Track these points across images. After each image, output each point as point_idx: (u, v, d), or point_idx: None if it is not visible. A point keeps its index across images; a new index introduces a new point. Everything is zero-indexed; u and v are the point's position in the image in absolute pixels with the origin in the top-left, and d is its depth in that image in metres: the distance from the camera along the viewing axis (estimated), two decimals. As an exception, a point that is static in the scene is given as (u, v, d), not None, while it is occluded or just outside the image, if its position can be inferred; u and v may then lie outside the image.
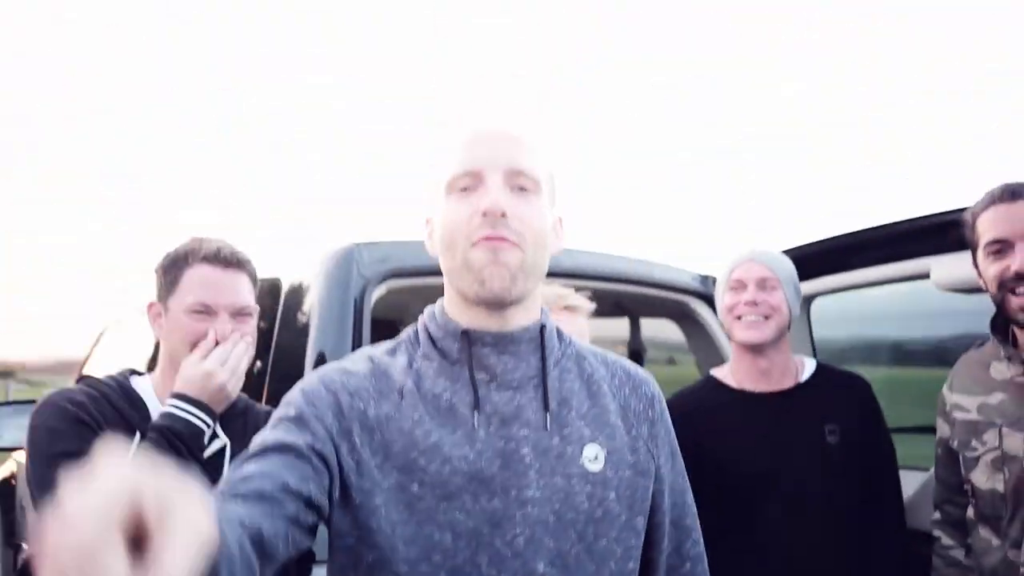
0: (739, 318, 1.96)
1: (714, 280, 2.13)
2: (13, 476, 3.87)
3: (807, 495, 1.87)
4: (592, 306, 1.92)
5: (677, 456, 1.19)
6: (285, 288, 2.05)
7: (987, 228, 1.65)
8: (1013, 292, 1.60)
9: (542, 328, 1.10)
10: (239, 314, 1.57)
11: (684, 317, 2.80)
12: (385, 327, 2.14)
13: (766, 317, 1.94)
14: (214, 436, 1.52)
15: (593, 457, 1.06)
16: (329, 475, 0.98)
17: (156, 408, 1.54)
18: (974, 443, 1.69)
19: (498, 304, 1.05)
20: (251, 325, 1.60)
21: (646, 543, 1.12)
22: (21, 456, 3.64)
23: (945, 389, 1.82)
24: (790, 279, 2.00)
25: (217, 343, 1.54)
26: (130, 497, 0.56)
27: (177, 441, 1.43)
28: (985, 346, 1.77)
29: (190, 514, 0.57)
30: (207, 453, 1.51)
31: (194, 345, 1.54)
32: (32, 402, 3.67)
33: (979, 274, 1.70)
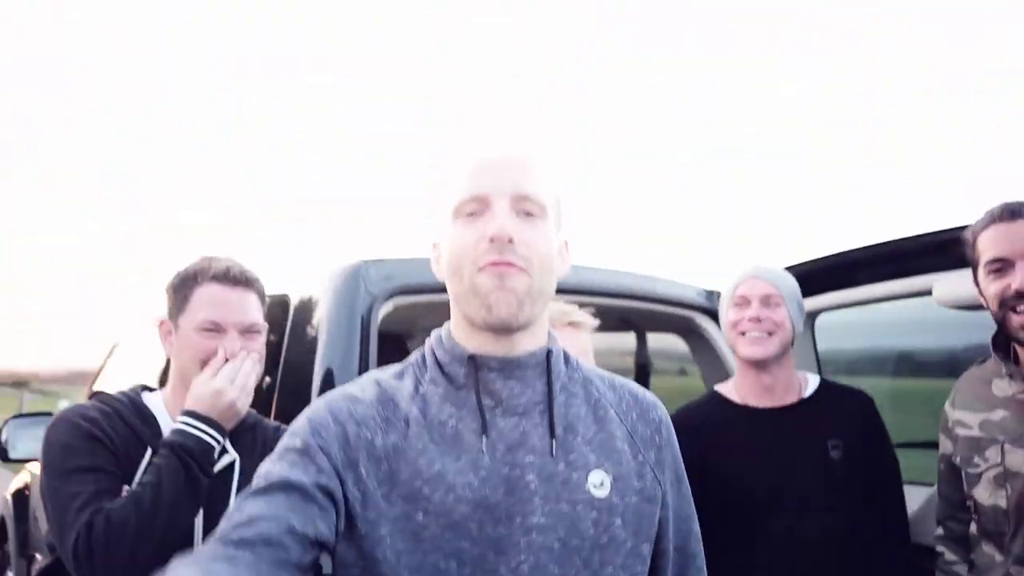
0: (743, 334, 1.98)
1: (719, 295, 2.15)
2: (27, 487, 3.92)
3: (810, 510, 1.88)
4: (595, 322, 1.94)
5: (683, 482, 1.19)
6: (294, 304, 2.08)
7: (987, 247, 1.67)
8: (1014, 310, 1.62)
9: (549, 353, 1.10)
10: (248, 331, 1.61)
11: (690, 332, 2.82)
12: (392, 343, 2.17)
13: (770, 333, 1.96)
14: (223, 451, 1.55)
15: (599, 483, 1.06)
16: (335, 510, 0.98)
17: (167, 424, 1.58)
18: (976, 459, 1.71)
19: (505, 329, 1.05)
20: (259, 342, 1.64)
21: (650, 569, 1.11)
22: (35, 467, 3.68)
23: (947, 405, 1.83)
24: (793, 296, 2.02)
25: (227, 360, 1.57)
26: None
27: (188, 458, 1.46)
28: (987, 363, 1.79)
29: None
30: (217, 468, 1.54)
31: (204, 362, 1.57)
32: (44, 414, 3.73)
33: (980, 292, 1.72)
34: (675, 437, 1.19)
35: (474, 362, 1.07)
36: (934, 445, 1.89)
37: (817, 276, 2.37)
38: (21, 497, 3.98)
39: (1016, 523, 1.63)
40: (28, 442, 3.46)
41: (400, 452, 1.02)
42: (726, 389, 2.09)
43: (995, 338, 1.73)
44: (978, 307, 1.78)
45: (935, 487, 1.99)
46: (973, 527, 1.75)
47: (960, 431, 1.76)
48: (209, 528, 1.51)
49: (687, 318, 2.70)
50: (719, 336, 2.64)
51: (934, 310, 2.15)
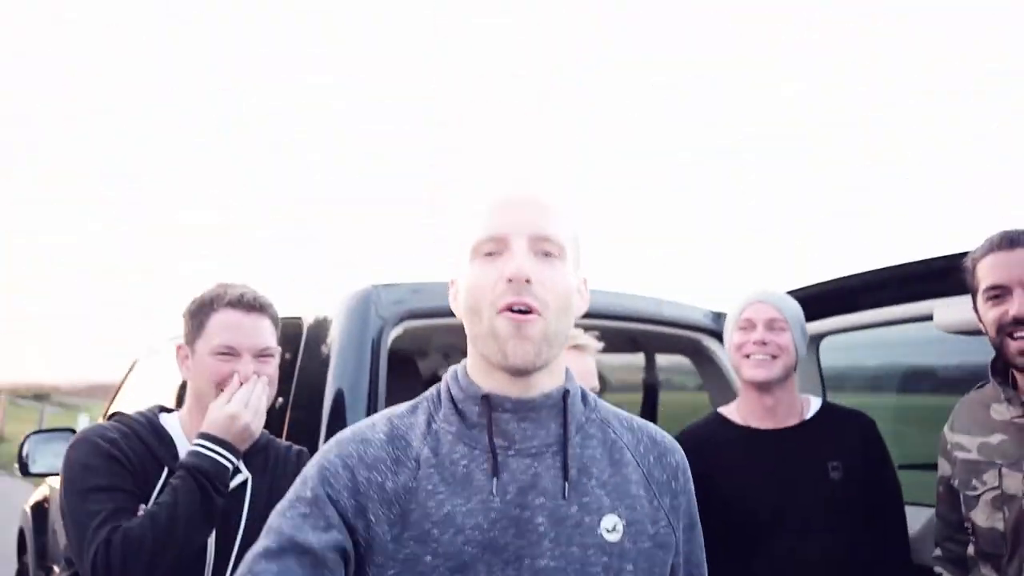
0: (747, 356, 2.01)
1: (726, 317, 2.19)
2: (46, 500, 3.98)
3: (811, 532, 1.91)
4: (600, 345, 1.98)
5: (696, 527, 1.18)
6: (307, 326, 2.14)
7: (986, 274, 1.70)
8: (1011, 336, 1.64)
9: (566, 394, 1.09)
10: (262, 355, 1.67)
11: (697, 354, 2.85)
12: (401, 365, 2.22)
13: (774, 357, 1.99)
14: (236, 471, 1.60)
15: (611, 527, 1.04)
16: (344, 564, 0.99)
17: (183, 444, 1.63)
18: (974, 482, 1.73)
19: (522, 373, 1.05)
20: (273, 365, 1.70)
21: None
22: (54, 482, 3.75)
23: (946, 429, 1.85)
24: (798, 321, 2.06)
25: (241, 384, 1.63)
26: None
27: (203, 479, 1.51)
28: (985, 388, 1.81)
29: None
30: (230, 487, 1.59)
31: (219, 385, 1.63)
32: (64, 430, 3.79)
33: (979, 318, 1.74)
34: (692, 483, 1.18)
35: (488, 402, 1.06)
36: (935, 467, 1.91)
37: (820, 300, 2.40)
38: (40, 510, 4.05)
39: (1013, 545, 1.65)
40: (48, 457, 3.52)
41: (411, 493, 1.02)
42: (728, 411, 2.12)
43: (994, 363, 1.76)
44: (977, 332, 1.81)
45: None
46: (971, 549, 1.77)
47: (959, 454, 1.79)
48: (222, 545, 1.56)
49: (694, 340, 2.74)
50: (726, 357, 2.67)
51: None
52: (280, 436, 1.90)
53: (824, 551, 1.90)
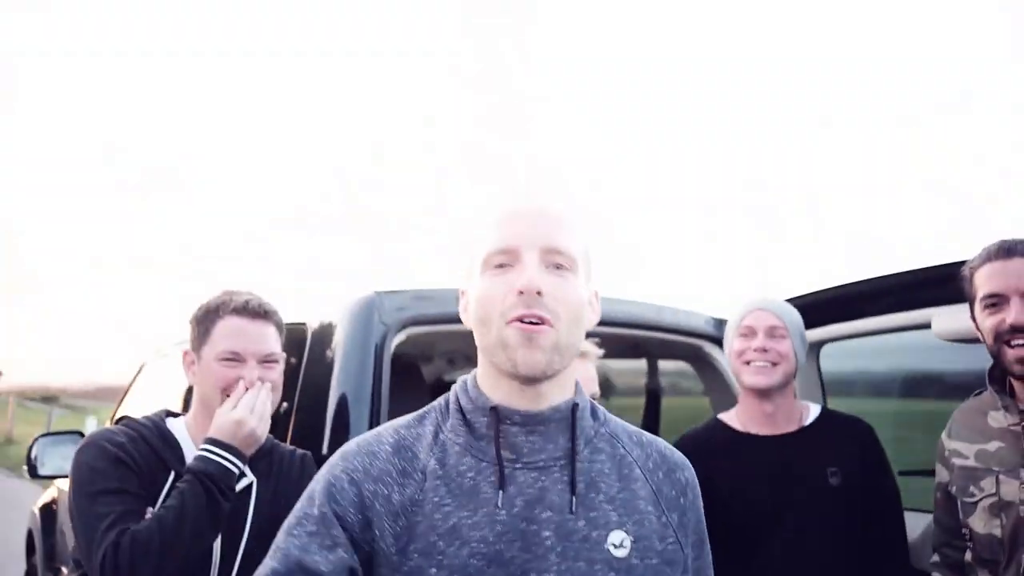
0: (748, 363, 2.04)
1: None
2: (55, 502, 4.02)
3: (808, 535, 1.93)
4: (600, 352, 2.01)
5: (705, 544, 1.18)
6: (311, 333, 2.17)
7: (984, 283, 1.72)
8: (1008, 344, 1.66)
9: (575, 407, 1.09)
10: (266, 361, 1.70)
11: (698, 360, 2.87)
12: (404, 371, 2.25)
13: (774, 364, 2.01)
14: (242, 475, 1.63)
15: (619, 543, 1.04)
16: None
17: (189, 448, 1.66)
18: (972, 489, 1.75)
19: (532, 381, 1.05)
20: (277, 371, 1.73)
21: None
22: (62, 484, 3.79)
23: (944, 436, 1.87)
24: (797, 329, 2.08)
25: (246, 389, 1.66)
26: None
27: (210, 483, 1.54)
28: (983, 395, 1.83)
29: None
30: (236, 490, 1.62)
31: (225, 390, 1.66)
32: (72, 432, 3.83)
33: (976, 326, 1.76)
34: (700, 500, 1.17)
35: (496, 414, 1.06)
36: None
37: (821, 308, 2.42)
38: (49, 512, 4.09)
39: (1010, 552, 1.67)
40: (56, 459, 3.55)
41: (417, 505, 1.02)
42: (728, 417, 2.15)
43: (991, 371, 1.77)
44: (974, 340, 1.83)
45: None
46: (968, 555, 1.78)
47: (956, 461, 1.80)
48: (227, 547, 1.59)
49: (696, 346, 2.76)
50: (727, 364, 2.69)
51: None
52: (285, 440, 1.92)
53: (823, 556, 1.92)
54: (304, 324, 2.20)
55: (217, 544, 1.58)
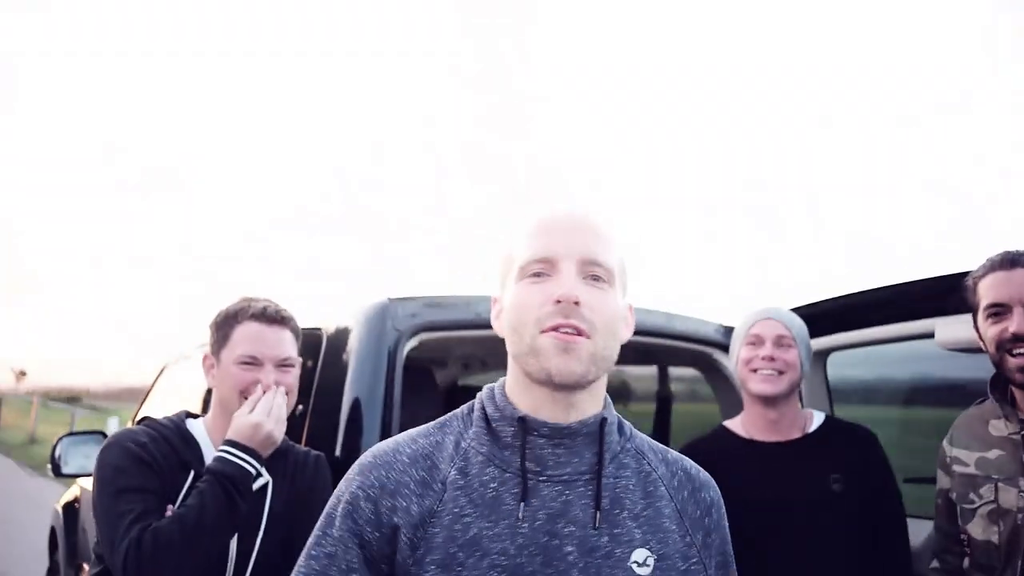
0: (755, 371, 2.07)
1: None
2: (77, 500, 4.10)
3: (810, 542, 1.95)
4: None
5: (730, 566, 1.17)
6: (326, 338, 2.23)
7: (987, 292, 1.74)
8: (1010, 353, 1.69)
9: (603, 422, 1.07)
10: (283, 365, 1.76)
11: (708, 367, 2.90)
12: (416, 376, 2.30)
13: (781, 372, 2.04)
14: (258, 475, 1.69)
15: (642, 561, 1.02)
16: None
17: (208, 449, 1.73)
18: (971, 496, 1.77)
19: (565, 388, 1.03)
20: (293, 375, 1.79)
21: None
22: (84, 482, 3.87)
23: (946, 443, 1.90)
24: (804, 339, 2.11)
25: (264, 391, 1.72)
26: None
27: (229, 484, 1.60)
28: (985, 404, 1.85)
29: None
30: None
31: (243, 392, 1.72)
32: (94, 433, 3.91)
33: (979, 335, 1.79)
34: (726, 520, 1.16)
35: (524, 424, 1.05)
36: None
37: (827, 317, 2.45)
38: (71, 510, 4.17)
39: (1007, 558, 1.69)
40: (79, 459, 3.63)
41: (436, 517, 1.01)
42: (733, 424, 2.18)
43: (993, 380, 1.80)
44: (977, 350, 1.85)
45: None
46: (966, 561, 1.81)
47: (957, 468, 1.83)
48: (242, 545, 1.65)
49: (705, 353, 2.79)
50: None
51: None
52: (300, 442, 1.98)
53: (825, 563, 1.94)
54: (320, 329, 2.26)
55: (233, 542, 1.64)
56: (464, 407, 1.14)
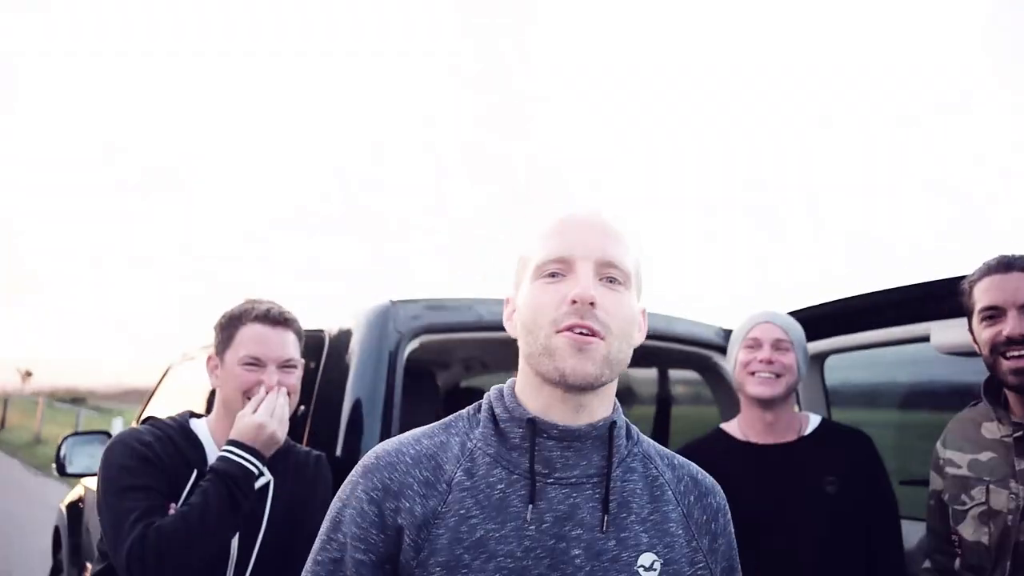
0: (753, 374, 2.09)
1: None
2: (81, 500, 4.12)
3: (804, 543, 1.98)
4: None
5: (736, 571, 1.17)
6: (328, 340, 2.25)
7: (981, 296, 1.76)
8: (1004, 356, 1.71)
9: (612, 425, 1.07)
10: (285, 366, 1.79)
11: (707, 370, 2.92)
12: (417, 377, 2.32)
13: (778, 375, 2.07)
14: (260, 474, 1.72)
15: (648, 565, 1.02)
16: None
17: (212, 448, 1.76)
18: (963, 497, 1.79)
19: (577, 389, 1.03)
20: (295, 376, 1.82)
21: None
22: (89, 482, 3.90)
23: (939, 445, 1.91)
24: (801, 343, 2.14)
25: (267, 392, 1.74)
26: None
27: (232, 483, 1.63)
28: (978, 406, 1.87)
29: None
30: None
31: (246, 393, 1.75)
32: (99, 432, 3.93)
33: (974, 338, 1.81)
34: (732, 526, 1.17)
35: (533, 425, 1.04)
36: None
37: (825, 320, 2.47)
38: (75, 509, 4.18)
39: (997, 559, 1.71)
40: (83, 458, 3.65)
41: (440, 517, 1.00)
42: (730, 427, 2.20)
43: (987, 383, 1.82)
44: (972, 353, 1.87)
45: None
46: (957, 562, 1.82)
47: (950, 469, 1.85)
48: (244, 543, 1.68)
49: (705, 356, 2.81)
50: (734, 373, 2.74)
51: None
52: (301, 442, 2.00)
53: (819, 564, 1.96)
54: (322, 331, 2.28)
55: (235, 540, 1.67)
56: (470, 408, 1.13)
